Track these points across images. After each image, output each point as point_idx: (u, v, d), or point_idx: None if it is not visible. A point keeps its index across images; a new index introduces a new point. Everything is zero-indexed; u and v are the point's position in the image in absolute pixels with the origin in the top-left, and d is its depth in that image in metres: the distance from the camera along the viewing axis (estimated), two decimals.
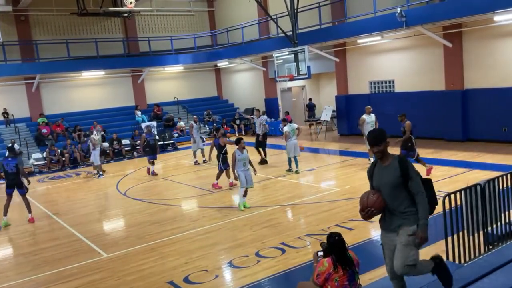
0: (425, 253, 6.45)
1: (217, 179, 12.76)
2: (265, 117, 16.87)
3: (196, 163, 16.82)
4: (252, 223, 9.23)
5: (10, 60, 21.58)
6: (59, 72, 22.56)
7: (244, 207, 10.32)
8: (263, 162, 15.58)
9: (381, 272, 6.29)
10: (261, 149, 15.82)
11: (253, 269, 6.90)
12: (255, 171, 10.79)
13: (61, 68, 22.40)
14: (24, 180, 11.23)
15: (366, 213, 4.52)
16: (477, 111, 15.67)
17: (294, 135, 13.62)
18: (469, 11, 13.52)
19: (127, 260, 7.85)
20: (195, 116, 18.40)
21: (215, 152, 13.24)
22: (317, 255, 4.83)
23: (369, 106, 14.38)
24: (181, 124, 24.00)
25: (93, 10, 20.82)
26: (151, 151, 15.69)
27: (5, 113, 21.82)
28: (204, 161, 16.93)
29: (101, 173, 16.45)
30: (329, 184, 12.14)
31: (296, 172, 13.60)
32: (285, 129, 13.71)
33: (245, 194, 10.43)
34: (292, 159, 13.71)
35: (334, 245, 4.66)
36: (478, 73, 15.52)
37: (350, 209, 9.47)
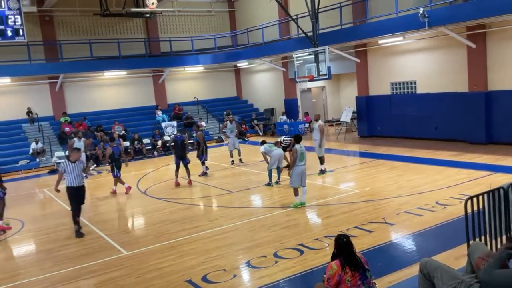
0: (446, 257, 6.39)
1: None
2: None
3: (232, 163, 16.65)
4: (270, 224, 9.22)
5: (34, 60, 22.01)
6: (82, 72, 22.94)
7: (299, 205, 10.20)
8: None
9: (401, 275, 6.23)
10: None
11: (271, 269, 6.89)
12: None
13: (84, 68, 22.78)
14: None
15: None
16: (500, 113, 15.35)
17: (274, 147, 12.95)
18: (493, 11, 13.27)
19: (146, 258, 7.92)
20: (231, 116, 18.49)
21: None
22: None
23: (318, 114, 15.22)
24: (202, 124, 24.06)
25: (116, 10, 21.12)
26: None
27: (29, 112, 22.27)
28: (240, 161, 16.72)
29: None
30: (349, 186, 12.04)
31: (277, 182, 12.83)
32: (262, 149, 13.21)
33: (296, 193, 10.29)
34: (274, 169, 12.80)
35: (342, 246, 4.71)
36: (502, 74, 15.21)
37: (370, 211, 9.39)
